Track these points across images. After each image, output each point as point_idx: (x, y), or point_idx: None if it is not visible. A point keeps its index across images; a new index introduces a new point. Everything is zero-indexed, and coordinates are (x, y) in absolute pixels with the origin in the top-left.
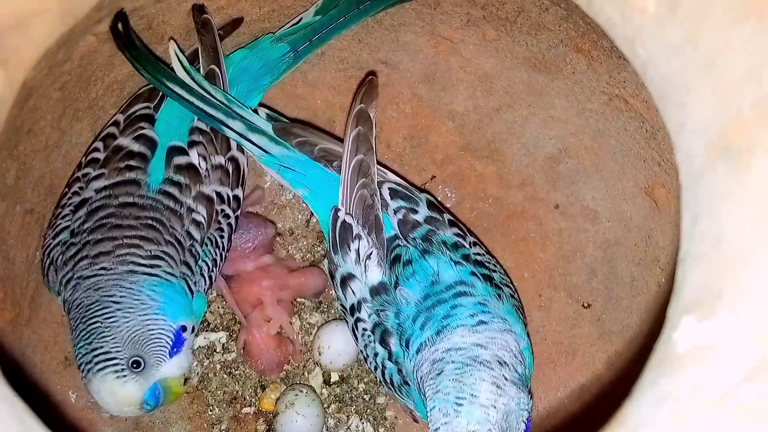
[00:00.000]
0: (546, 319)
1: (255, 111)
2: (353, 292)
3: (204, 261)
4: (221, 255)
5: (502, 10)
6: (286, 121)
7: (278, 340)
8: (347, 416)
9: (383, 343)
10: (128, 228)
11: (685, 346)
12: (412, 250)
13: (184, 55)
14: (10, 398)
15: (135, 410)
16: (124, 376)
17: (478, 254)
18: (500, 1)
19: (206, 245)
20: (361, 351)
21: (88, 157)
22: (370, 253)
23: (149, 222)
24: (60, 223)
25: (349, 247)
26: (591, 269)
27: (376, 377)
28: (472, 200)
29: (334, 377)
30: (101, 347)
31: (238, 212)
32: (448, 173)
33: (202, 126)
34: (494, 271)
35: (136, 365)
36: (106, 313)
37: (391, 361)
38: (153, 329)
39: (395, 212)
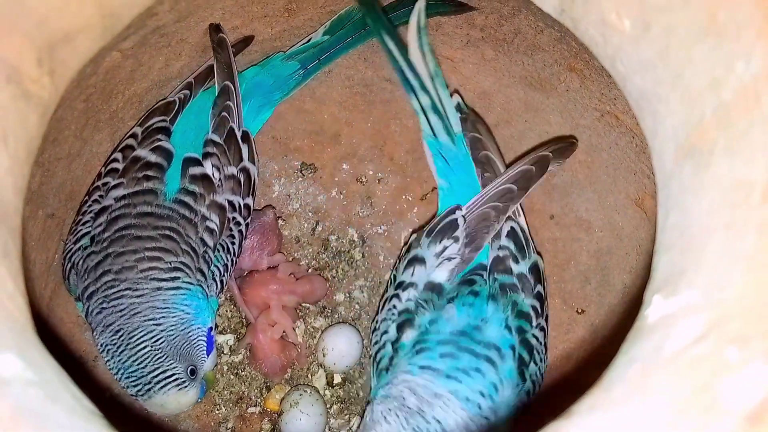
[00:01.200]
0: None
1: (450, 94)
2: (413, 273)
3: (216, 266)
4: (232, 260)
5: (500, 31)
6: (474, 114)
7: (282, 344)
8: (349, 417)
9: (400, 328)
10: (148, 239)
11: (653, 319)
12: (486, 287)
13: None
14: (56, 367)
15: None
16: (186, 386)
17: (534, 337)
18: (498, 23)
19: (218, 251)
20: (375, 321)
21: (108, 167)
22: (453, 258)
23: (167, 233)
24: (81, 230)
25: (441, 240)
26: (585, 277)
27: (370, 350)
28: None
29: (337, 379)
30: (158, 368)
31: (248, 220)
32: None
33: (216, 138)
34: (534, 362)
35: (192, 373)
36: (153, 337)
37: (393, 347)
38: (194, 338)
39: (499, 249)
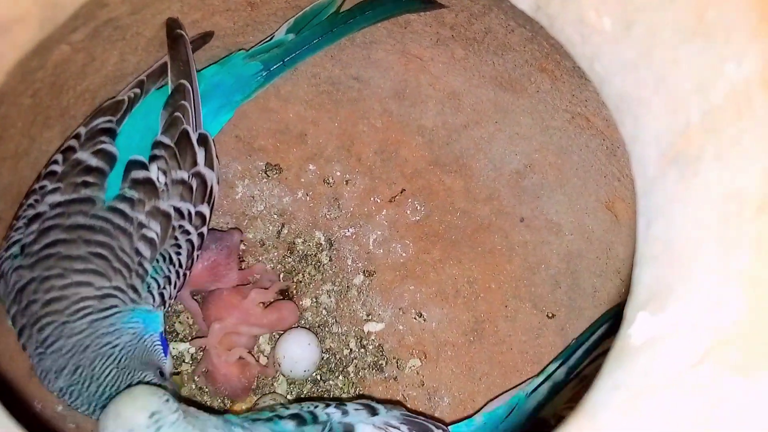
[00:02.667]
0: (512, 329)
1: None
2: None
3: (153, 278)
4: (177, 272)
5: (470, 30)
6: None
7: (240, 365)
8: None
9: None
10: (77, 260)
11: (639, 339)
12: None
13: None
14: None
15: None
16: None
17: None
18: (468, 21)
19: (157, 261)
20: None
21: (47, 169)
22: None
23: (98, 250)
24: (13, 236)
25: None
26: (555, 280)
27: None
28: (441, 213)
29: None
30: (132, 382)
31: (203, 229)
32: (418, 187)
33: (166, 140)
34: None
35: (161, 375)
36: (115, 359)
37: None
38: (149, 346)
39: None
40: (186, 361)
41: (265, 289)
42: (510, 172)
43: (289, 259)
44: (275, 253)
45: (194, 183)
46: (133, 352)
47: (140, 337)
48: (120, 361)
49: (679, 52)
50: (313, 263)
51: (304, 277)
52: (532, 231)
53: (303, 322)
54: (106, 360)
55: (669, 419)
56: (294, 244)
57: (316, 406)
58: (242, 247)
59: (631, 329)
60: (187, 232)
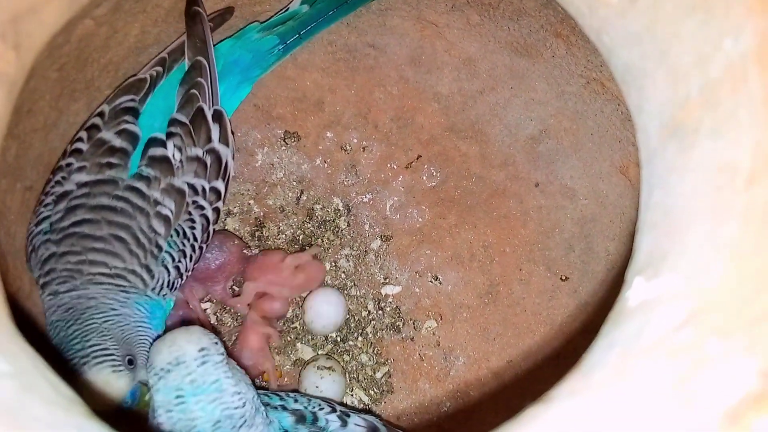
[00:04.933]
0: (526, 292)
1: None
2: None
3: (168, 252)
4: (193, 246)
5: None
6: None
7: (263, 344)
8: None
9: None
10: (98, 240)
11: (635, 302)
12: None
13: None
14: (33, 355)
15: (115, 404)
16: (120, 370)
17: None
18: None
19: (171, 237)
20: None
21: (73, 146)
22: None
23: (117, 232)
24: (42, 212)
25: None
26: (569, 244)
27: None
28: (457, 179)
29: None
30: (100, 344)
31: (218, 204)
32: (434, 153)
33: (182, 117)
34: None
35: (130, 362)
36: (104, 317)
37: None
38: (141, 334)
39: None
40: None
41: (301, 251)
42: (525, 138)
43: (309, 225)
44: (295, 219)
45: (208, 159)
46: (123, 324)
47: (140, 322)
48: (106, 322)
49: (681, 25)
50: (332, 228)
51: (323, 242)
52: (547, 196)
53: (323, 285)
54: (98, 314)
55: (654, 378)
56: (313, 210)
57: (321, 408)
58: (261, 214)
59: (628, 292)
60: (201, 207)
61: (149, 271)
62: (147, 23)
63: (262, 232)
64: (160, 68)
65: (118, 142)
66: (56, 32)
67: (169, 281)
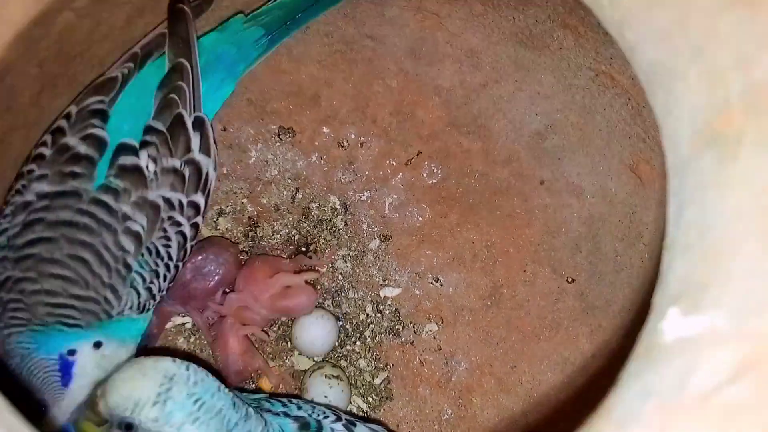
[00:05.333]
0: (530, 294)
1: None
2: None
3: (138, 272)
4: (167, 265)
5: None
6: None
7: (246, 346)
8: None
9: None
10: (55, 264)
11: (670, 338)
12: None
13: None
14: None
15: None
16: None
17: None
18: None
19: (142, 255)
20: None
21: (36, 151)
22: None
23: (79, 253)
24: (1, 223)
25: None
26: (575, 245)
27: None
28: (458, 176)
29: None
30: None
31: (197, 219)
32: (434, 149)
33: (158, 125)
34: None
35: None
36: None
37: None
38: (36, 371)
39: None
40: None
41: (296, 273)
42: (530, 133)
43: (304, 224)
44: (290, 218)
45: (187, 171)
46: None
47: (28, 359)
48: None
49: (719, 20)
50: (329, 228)
51: (319, 242)
52: (553, 194)
53: (319, 287)
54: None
55: None
56: (309, 208)
57: (326, 416)
58: (254, 213)
59: (661, 324)
60: (178, 224)
61: (115, 291)
62: (133, 14)
63: (255, 232)
64: (131, 64)
65: (83, 149)
66: (27, 26)
67: (139, 303)
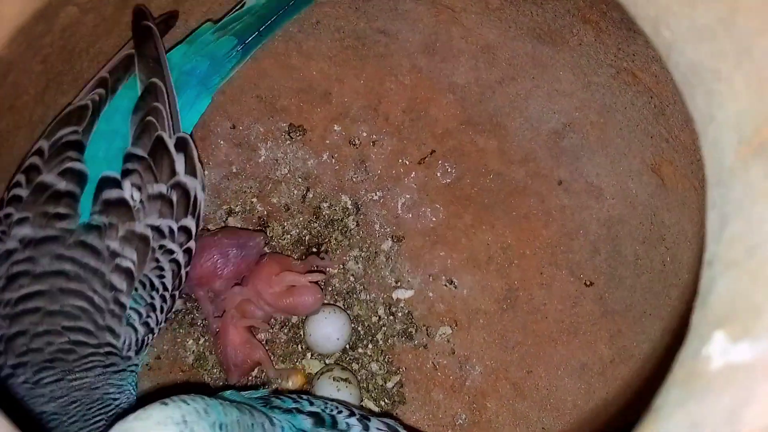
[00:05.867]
0: (547, 297)
1: None
2: None
3: (133, 309)
4: (163, 296)
5: None
6: None
7: (247, 339)
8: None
9: None
10: (61, 316)
11: (717, 365)
12: None
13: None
14: None
15: None
16: None
17: None
18: None
19: (136, 290)
20: None
21: (10, 194)
22: None
23: (75, 302)
24: None
25: None
26: (594, 247)
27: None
28: (473, 176)
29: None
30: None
31: (190, 244)
32: (449, 148)
33: (138, 152)
34: None
35: None
36: (108, 411)
37: None
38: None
39: None
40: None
41: (304, 273)
42: (548, 132)
43: (315, 225)
44: (300, 218)
45: (174, 196)
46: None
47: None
48: (110, 415)
49: None
50: (340, 228)
51: (330, 243)
52: (571, 195)
53: (330, 289)
54: (103, 407)
55: None
56: (320, 208)
57: (339, 411)
58: (264, 213)
59: (706, 349)
60: (170, 252)
61: (112, 332)
62: (101, 33)
63: (265, 233)
64: (102, 90)
65: (62, 185)
66: (28, 22)
67: (137, 340)
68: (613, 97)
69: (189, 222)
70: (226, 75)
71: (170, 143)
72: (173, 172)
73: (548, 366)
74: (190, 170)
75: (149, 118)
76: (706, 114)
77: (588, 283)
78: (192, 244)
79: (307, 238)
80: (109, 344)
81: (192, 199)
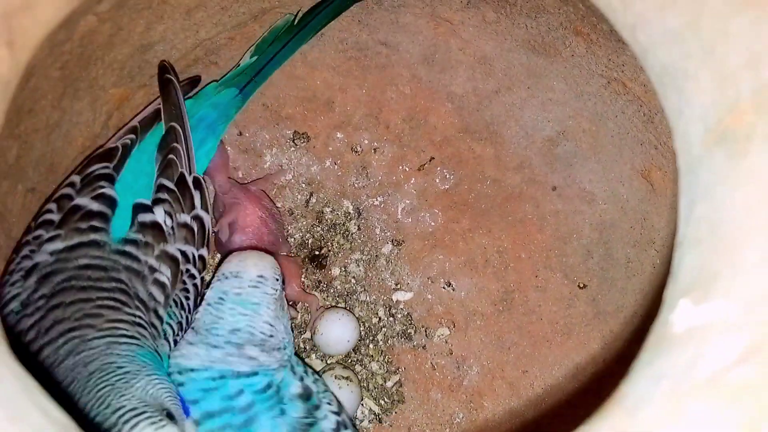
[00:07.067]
0: (542, 299)
1: None
2: None
3: (168, 323)
4: (187, 318)
5: None
6: None
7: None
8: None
9: None
10: (99, 290)
11: (681, 327)
12: None
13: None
14: (23, 376)
15: None
16: (164, 425)
17: None
18: None
19: (170, 306)
20: None
21: (40, 220)
22: None
23: (115, 284)
24: (10, 291)
25: None
26: (587, 250)
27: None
28: (471, 182)
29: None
30: (124, 406)
31: (204, 274)
32: (447, 155)
33: (168, 183)
34: None
35: (169, 416)
36: (115, 376)
37: None
38: (161, 387)
39: None
40: None
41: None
42: (542, 140)
43: (318, 229)
44: (304, 222)
45: (195, 226)
46: (137, 380)
47: (152, 374)
48: (120, 380)
49: (730, 22)
50: (342, 232)
51: (332, 246)
52: (565, 200)
53: (332, 290)
54: (106, 375)
55: (715, 422)
56: (322, 213)
57: (329, 403)
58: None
59: (672, 315)
60: (193, 276)
61: (156, 330)
62: (152, 19)
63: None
64: (133, 136)
65: (95, 206)
66: (54, 29)
67: (167, 354)
68: (604, 106)
69: (204, 252)
70: (229, 120)
71: (189, 180)
72: (193, 206)
73: (543, 366)
74: (204, 206)
75: (171, 156)
76: (677, 109)
77: (581, 285)
78: (204, 274)
79: (310, 241)
80: (141, 324)
81: (206, 232)
